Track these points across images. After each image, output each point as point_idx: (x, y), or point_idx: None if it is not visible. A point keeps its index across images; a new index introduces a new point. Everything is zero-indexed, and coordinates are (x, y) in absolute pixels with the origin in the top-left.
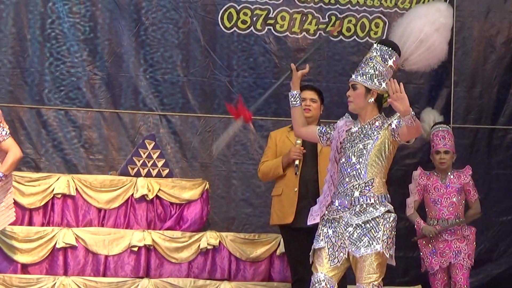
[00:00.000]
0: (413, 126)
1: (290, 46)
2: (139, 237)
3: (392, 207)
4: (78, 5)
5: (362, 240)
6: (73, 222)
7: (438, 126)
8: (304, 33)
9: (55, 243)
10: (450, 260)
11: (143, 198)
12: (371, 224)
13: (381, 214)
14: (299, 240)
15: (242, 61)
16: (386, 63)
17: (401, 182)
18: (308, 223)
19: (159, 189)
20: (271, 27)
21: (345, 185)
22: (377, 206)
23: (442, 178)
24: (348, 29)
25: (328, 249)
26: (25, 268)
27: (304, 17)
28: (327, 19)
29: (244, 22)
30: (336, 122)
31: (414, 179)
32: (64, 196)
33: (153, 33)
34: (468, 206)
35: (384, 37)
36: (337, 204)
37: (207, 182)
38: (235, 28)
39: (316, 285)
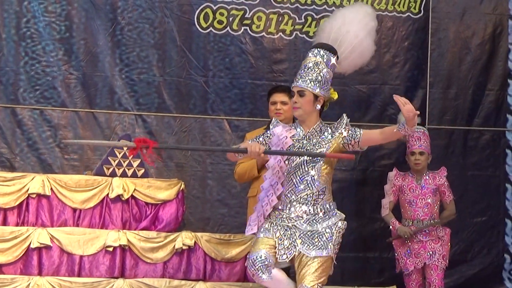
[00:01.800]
0: (401, 135)
1: (266, 46)
2: (114, 237)
3: (343, 215)
4: (54, 4)
5: (314, 243)
6: (48, 222)
7: (415, 127)
8: (281, 33)
9: (30, 243)
10: (425, 261)
11: (118, 198)
12: (324, 231)
13: (334, 222)
14: None
15: (218, 61)
16: (329, 69)
17: (377, 183)
18: (246, 234)
19: (135, 189)
20: (248, 28)
21: (297, 194)
22: (330, 214)
23: (417, 179)
24: None
25: (278, 244)
26: None
27: (281, 18)
28: (303, 20)
29: (220, 22)
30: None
31: (389, 180)
32: (39, 196)
33: (129, 32)
34: (443, 207)
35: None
36: (288, 213)
37: (183, 182)
38: (211, 28)
39: (256, 260)
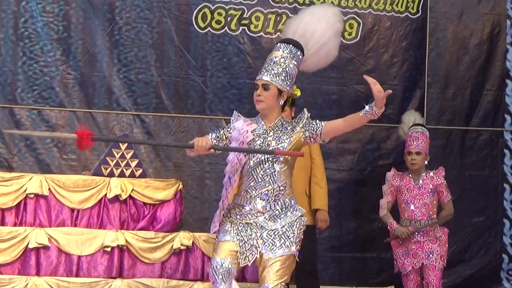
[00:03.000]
0: (368, 119)
1: (264, 46)
2: (112, 237)
3: (304, 210)
4: (52, 4)
5: (276, 242)
6: (46, 222)
7: (414, 127)
8: (279, 33)
9: (28, 243)
10: (423, 261)
11: (116, 198)
12: (286, 227)
13: (295, 218)
14: None
15: (216, 61)
16: (295, 64)
17: (375, 183)
18: (211, 232)
19: (133, 189)
20: (246, 27)
21: (258, 189)
22: (291, 210)
23: (415, 179)
24: None
25: (240, 247)
26: None
27: (279, 18)
28: None
29: (218, 22)
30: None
31: (387, 180)
32: (37, 196)
33: (127, 32)
34: (441, 207)
35: (353, 38)
36: (248, 209)
37: (181, 183)
38: (209, 28)
39: (218, 267)
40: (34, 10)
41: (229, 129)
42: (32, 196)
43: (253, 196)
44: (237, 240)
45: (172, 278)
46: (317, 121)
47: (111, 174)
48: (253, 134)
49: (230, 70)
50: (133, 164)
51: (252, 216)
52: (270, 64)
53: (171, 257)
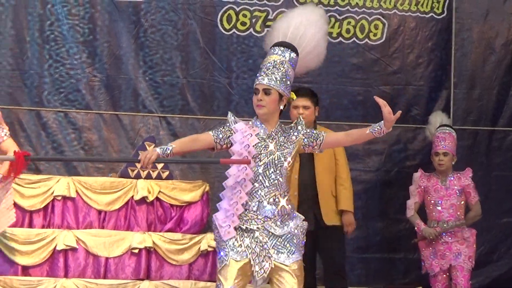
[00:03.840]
0: (373, 137)
1: None
2: (139, 239)
3: (302, 216)
4: (77, 7)
5: (287, 250)
6: (74, 224)
7: (441, 128)
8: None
9: (56, 245)
10: (451, 262)
11: (143, 200)
12: (292, 233)
13: (298, 223)
14: None
15: (242, 63)
16: (293, 67)
17: (401, 184)
18: (225, 239)
19: (159, 191)
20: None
21: (265, 194)
22: (292, 214)
23: (443, 180)
24: (348, 31)
25: (253, 260)
26: (25, 270)
27: None
28: None
29: (243, 23)
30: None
31: (414, 181)
32: (64, 198)
33: (152, 35)
34: (468, 208)
35: (378, 39)
36: (255, 214)
37: (207, 184)
38: (234, 30)
39: None
40: (60, 13)
41: (229, 130)
42: (59, 198)
43: (260, 201)
44: (249, 254)
45: (200, 279)
46: (317, 131)
47: (137, 176)
48: (258, 138)
49: (255, 71)
50: (160, 166)
51: (259, 221)
52: (270, 68)
53: (198, 258)
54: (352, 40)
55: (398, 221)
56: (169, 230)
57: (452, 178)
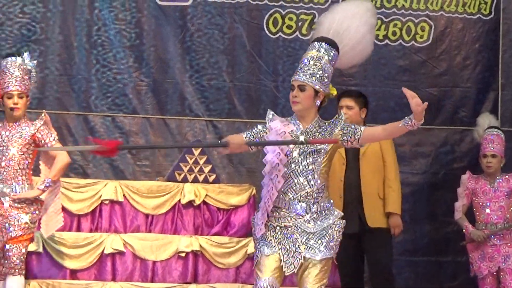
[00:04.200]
0: (407, 130)
1: None
2: (186, 242)
3: (341, 213)
4: (124, 12)
5: (318, 246)
6: (121, 228)
7: (490, 130)
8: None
9: (103, 249)
10: (499, 265)
11: (190, 203)
12: (325, 230)
13: (334, 221)
14: (345, 245)
15: (288, 66)
16: (331, 64)
17: (449, 186)
18: (257, 235)
19: (206, 195)
20: None
21: (297, 192)
22: (329, 212)
23: (491, 182)
24: (394, 33)
25: (283, 256)
26: (74, 274)
27: None
28: None
29: (289, 27)
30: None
31: (462, 183)
32: (112, 202)
33: (199, 39)
34: None
35: (425, 41)
36: (287, 211)
37: (254, 188)
38: (280, 33)
39: (265, 286)
40: (107, 18)
41: (265, 129)
42: (107, 202)
43: (291, 198)
44: (279, 249)
45: (247, 283)
46: (356, 125)
47: (184, 180)
48: (291, 135)
49: None
50: (207, 169)
51: (291, 218)
52: (306, 64)
53: (246, 262)
54: (398, 42)
55: (446, 224)
56: (216, 234)
57: (500, 180)
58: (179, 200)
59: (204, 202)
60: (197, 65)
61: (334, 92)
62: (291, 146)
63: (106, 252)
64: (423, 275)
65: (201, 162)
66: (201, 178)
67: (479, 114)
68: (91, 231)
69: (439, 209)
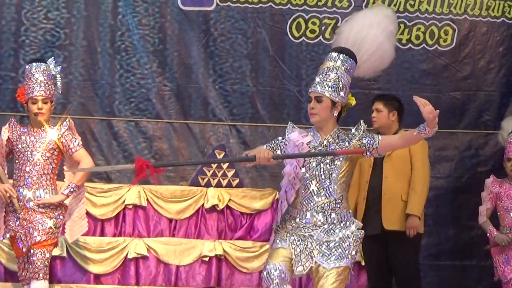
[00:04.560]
0: (422, 138)
1: None
2: (210, 247)
3: (360, 224)
4: (147, 17)
5: (333, 253)
6: (144, 232)
7: None
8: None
9: (127, 254)
10: None
11: (213, 208)
12: (343, 239)
13: (352, 231)
14: (370, 247)
15: (311, 71)
16: (348, 74)
17: (473, 190)
18: (272, 246)
19: (230, 199)
20: None
21: (314, 202)
22: (348, 223)
23: None
24: (417, 37)
25: (294, 255)
26: (97, 278)
27: None
28: None
29: (312, 31)
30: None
31: (486, 187)
32: (135, 206)
33: (222, 43)
34: None
35: (448, 44)
36: (304, 222)
37: (277, 192)
38: (303, 38)
39: (273, 271)
40: (131, 24)
41: (285, 141)
42: (130, 206)
43: (308, 209)
44: (292, 249)
45: None
46: (374, 134)
47: (208, 184)
48: (309, 147)
49: None
50: (230, 174)
51: (307, 229)
52: (323, 75)
53: None
54: (421, 46)
55: (470, 228)
56: (239, 238)
57: None
58: (203, 205)
59: (227, 207)
60: (221, 70)
61: (353, 102)
62: (308, 158)
63: (129, 256)
64: (447, 279)
65: (224, 166)
66: (224, 182)
67: (503, 118)
68: (114, 235)
69: (463, 213)
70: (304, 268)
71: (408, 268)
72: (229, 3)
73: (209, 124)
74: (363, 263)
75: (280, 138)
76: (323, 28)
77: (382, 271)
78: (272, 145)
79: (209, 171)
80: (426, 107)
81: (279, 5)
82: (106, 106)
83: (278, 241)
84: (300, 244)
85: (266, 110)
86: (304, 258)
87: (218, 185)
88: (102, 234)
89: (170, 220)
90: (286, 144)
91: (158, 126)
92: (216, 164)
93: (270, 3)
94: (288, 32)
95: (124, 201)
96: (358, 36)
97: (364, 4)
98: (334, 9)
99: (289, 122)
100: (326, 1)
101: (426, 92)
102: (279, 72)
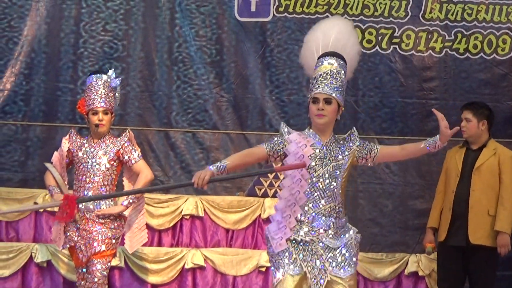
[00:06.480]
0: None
1: (415, 64)
2: (267, 257)
3: (356, 229)
4: (205, 29)
5: (343, 262)
6: (202, 242)
7: None
8: (430, 51)
9: (184, 264)
10: None
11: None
12: (347, 245)
13: (351, 235)
14: (450, 258)
15: (368, 81)
16: (345, 78)
17: None
18: (276, 251)
19: None
20: (396, 46)
21: (320, 206)
22: (346, 228)
23: None
24: (475, 46)
25: (310, 273)
26: None
27: (430, 35)
28: (453, 37)
29: (369, 41)
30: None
31: None
32: (193, 217)
33: (279, 54)
34: None
35: (506, 54)
36: (310, 226)
37: None
38: (360, 48)
39: None
40: (188, 35)
41: (283, 142)
42: (187, 217)
43: (314, 213)
44: (305, 267)
45: None
46: (372, 143)
47: (265, 195)
48: (312, 149)
49: (381, 89)
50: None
51: (314, 233)
52: (327, 78)
53: None
54: (479, 55)
55: None
56: None
57: None
58: (260, 215)
59: None
60: (277, 81)
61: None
62: (314, 160)
63: (187, 267)
64: None
65: (281, 177)
66: None
67: None
68: (172, 246)
69: None
70: (321, 285)
71: (487, 284)
72: (285, 13)
73: (266, 135)
74: (420, 273)
75: (276, 138)
76: (379, 38)
77: (457, 282)
78: (272, 145)
79: (266, 182)
80: (443, 122)
81: (336, 15)
82: (163, 117)
83: (290, 265)
84: (311, 259)
85: None
86: (319, 273)
87: (275, 195)
88: (160, 244)
89: (227, 231)
90: (285, 145)
91: (215, 137)
92: (273, 175)
93: (327, 14)
94: None
95: (181, 211)
96: (336, 45)
97: (421, 14)
98: (391, 19)
99: (282, 123)
100: (383, 11)
101: (484, 102)
102: None
